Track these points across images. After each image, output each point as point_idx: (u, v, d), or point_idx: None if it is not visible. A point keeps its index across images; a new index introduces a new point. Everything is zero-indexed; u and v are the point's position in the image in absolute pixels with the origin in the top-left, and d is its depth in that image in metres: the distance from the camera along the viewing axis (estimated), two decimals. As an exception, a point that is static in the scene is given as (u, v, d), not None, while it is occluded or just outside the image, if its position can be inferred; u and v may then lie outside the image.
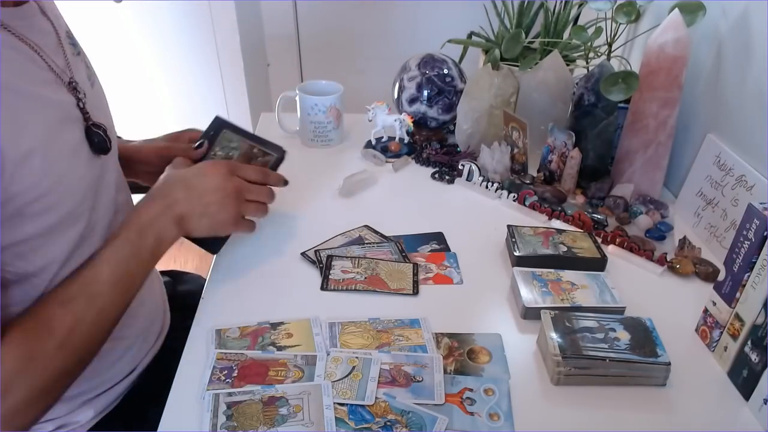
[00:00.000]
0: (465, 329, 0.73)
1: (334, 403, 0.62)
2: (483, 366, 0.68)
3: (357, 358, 0.67)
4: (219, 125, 0.87)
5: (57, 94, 0.64)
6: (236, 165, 0.78)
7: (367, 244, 0.89)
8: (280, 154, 0.86)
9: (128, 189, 0.83)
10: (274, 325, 0.72)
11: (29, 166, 0.57)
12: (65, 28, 0.72)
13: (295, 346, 0.69)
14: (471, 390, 0.65)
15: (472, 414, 0.62)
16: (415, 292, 0.80)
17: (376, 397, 0.63)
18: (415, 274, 0.82)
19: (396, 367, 0.67)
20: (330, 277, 0.81)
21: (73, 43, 0.72)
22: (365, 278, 0.81)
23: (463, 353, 0.70)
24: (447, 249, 0.89)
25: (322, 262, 0.84)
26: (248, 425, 0.59)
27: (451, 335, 0.72)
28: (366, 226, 0.93)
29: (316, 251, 0.86)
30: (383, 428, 0.60)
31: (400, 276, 0.82)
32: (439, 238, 0.92)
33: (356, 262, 0.84)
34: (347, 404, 0.62)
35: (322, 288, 0.80)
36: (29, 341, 0.57)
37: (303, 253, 0.86)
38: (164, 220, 0.70)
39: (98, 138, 0.68)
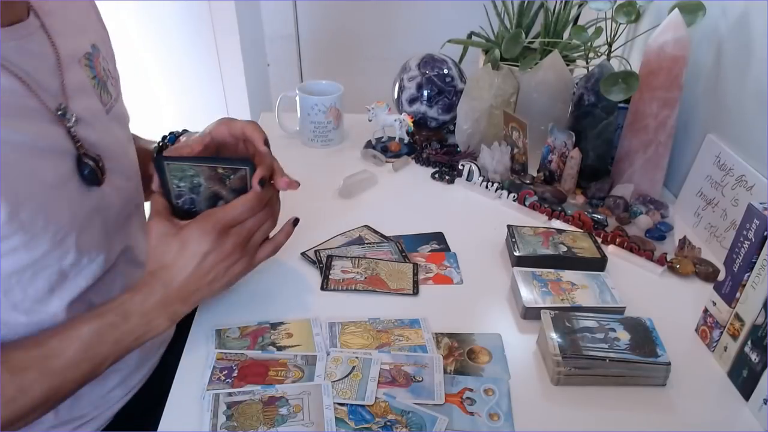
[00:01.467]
0: (465, 329, 0.73)
1: (334, 403, 0.62)
2: (483, 366, 0.68)
3: (357, 358, 0.67)
4: (159, 165, 0.67)
5: (33, 125, 0.58)
6: (218, 217, 0.64)
7: (367, 244, 0.89)
8: (249, 165, 0.67)
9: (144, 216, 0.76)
10: (274, 325, 0.72)
11: None
12: (85, 49, 0.68)
13: (295, 346, 0.69)
14: (471, 390, 0.64)
15: (472, 414, 0.62)
16: (415, 292, 0.80)
17: (376, 397, 0.63)
18: (415, 274, 0.82)
19: (396, 367, 0.67)
20: (330, 277, 0.81)
21: (92, 65, 0.68)
22: (365, 278, 0.81)
23: (463, 353, 0.70)
24: (447, 249, 0.89)
25: (322, 262, 0.84)
26: (248, 425, 0.59)
27: (451, 335, 0.72)
28: (366, 226, 0.93)
29: (316, 251, 0.86)
30: (383, 428, 0.60)
31: (400, 276, 0.82)
32: (439, 238, 0.92)
33: (356, 262, 0.84)
34: (347, 404, 0.62)
35: (322, 288, 0.80)
36: None
37: (303, 253, 0.86)
38: (158, 316, 0.63)
39: (88, 169, 0.63)
